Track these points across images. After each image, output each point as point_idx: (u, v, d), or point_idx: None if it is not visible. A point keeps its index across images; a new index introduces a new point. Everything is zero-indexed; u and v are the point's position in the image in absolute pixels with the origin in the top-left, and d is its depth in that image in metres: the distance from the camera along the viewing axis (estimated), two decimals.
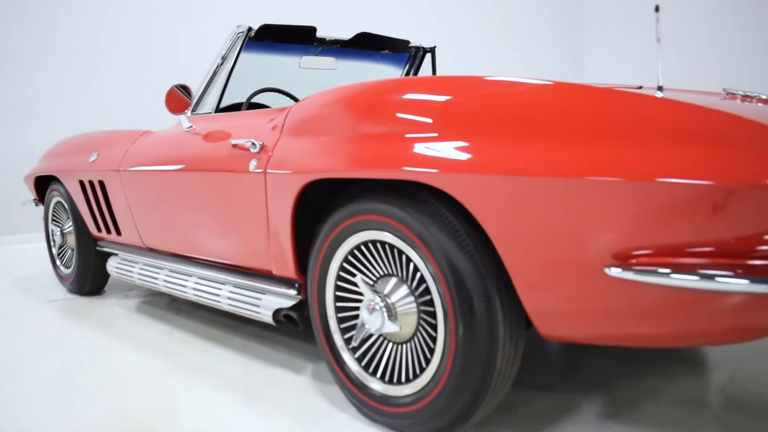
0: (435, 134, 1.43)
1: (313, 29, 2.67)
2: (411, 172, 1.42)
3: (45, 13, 4.85)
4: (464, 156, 1.36)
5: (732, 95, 1.75)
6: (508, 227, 1.31)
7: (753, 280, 1.08)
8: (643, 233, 1.17)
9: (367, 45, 2.94)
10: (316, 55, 2.85)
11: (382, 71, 3.16)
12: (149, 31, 5.20)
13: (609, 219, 1.19)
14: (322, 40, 2.78)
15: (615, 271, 1.19)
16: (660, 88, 1.44)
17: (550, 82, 1.35)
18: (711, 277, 1.10)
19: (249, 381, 2.03)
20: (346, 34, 2.87)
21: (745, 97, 1.72)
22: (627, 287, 1.19)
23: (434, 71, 3.19)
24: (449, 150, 1.38)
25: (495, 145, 1.33)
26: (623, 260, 1.19)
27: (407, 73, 3.22)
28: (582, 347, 2.20)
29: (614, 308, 1.25)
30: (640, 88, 1.84)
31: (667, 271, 1.14)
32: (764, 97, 1.71)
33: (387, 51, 3.07)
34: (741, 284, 1.08)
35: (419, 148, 1.44)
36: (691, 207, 1.11)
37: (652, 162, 1.14)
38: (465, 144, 1.37)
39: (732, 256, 1.13)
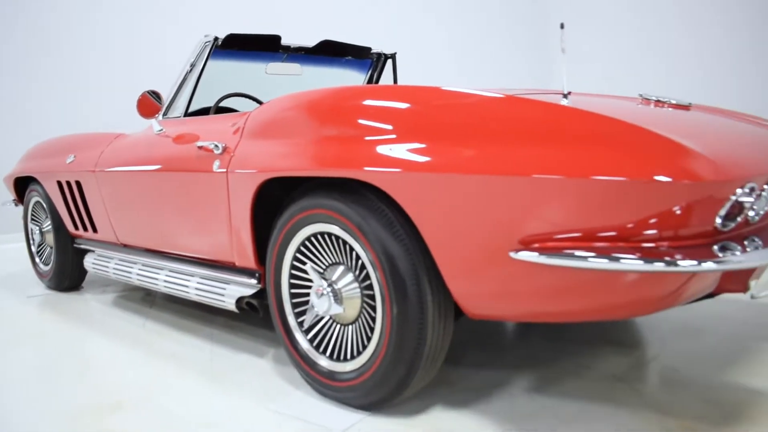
0: (372, 138, 1.61)
1: (278, 37, 2.84)
2: (353, 171, 1.60)
3: (32, 20, 4.97)
4: (395, 156, 1.54)
5: (646, 100, 1.94)
6: (432, 220, 1.50)
7: (646, 261, 1.26)
8: (545, 223, 1.35)
9: (330, 52, 3.12)
10: (282, 61, 3.02)
11: (346, 76, 3.34)
12: (133, 37, 5.33)
13: (516, 211, 1.37)
14: (287, 48, 2.96)
15: (522, 255, 1.37)
16: (566, 95, 1.62)
17: (466, 91, 1.54)
18: (611, 259, 1.27)
19: (216, 366, 2.20)
20: (314, 41, 3.05)
21: (658, 102, 1.92)
22: (533, 270, 1.38)
23: (395, 76, 3.37)
24: (383, 151, 1.56)
25: (421, 147, 1.51)
26: (529, 246, 1.37)
27: (370, 78, 3.40)
28: (518, 329, 2.39)
29: (526, 289, 1.44)
30: (569, 93, 2.03)
31: (571, 254, 1.32)
32: (674, 102, 1.91)
33: (350, 57, 3.24)
34: (636, 264, 1.26)
35: (360, 150, 1.61)
36: (587, 200, 1.30)
37: (556, 161, 1.33)
38: (396, 146, 1.55)
39: (626, 241, 1.31)
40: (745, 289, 1.50)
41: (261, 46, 2.85)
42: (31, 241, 3.61)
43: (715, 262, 1.20)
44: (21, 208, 3.81)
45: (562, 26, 1.70)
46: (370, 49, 3.26)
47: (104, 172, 2.77)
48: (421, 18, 6.48)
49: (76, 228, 3.16)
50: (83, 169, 2.91)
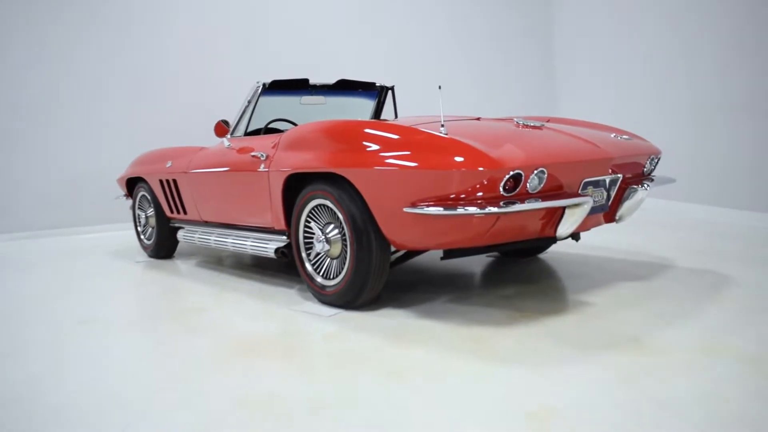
0: (345, 150, 2.88)
1: (306, 80, 4.15)
2: (336, 169, 2.86)
3: (114, 42, 6.45)
4: (353, 161, 2.80)
5: (516, 123, 3.14)
6: (371, 195, 2.74)
7: (447, 209, 2.44)
8: (425, 193, 2.57)
9: (346, 87, 4.41)
10: (311, 95, 4.33)
11: (360, 104, 4.62)
12: (201, 65, 6.75)
13: (405, 187, 2.59)
14: (314, 86, 4.26)
15: (408, 209, 2.58)
16: (443, 125, 2.80)
17: (393, 124, 2.79)
18: (447, 208, 2.46)
19: (261, 292, 3.50)
20: (332, 80, 4.35)
21: (518, 124, 3.11)
22: (416, 217, 2.59)
23: (394, 102, 4.64)
24: (347, 158, 2.83)
25: (364, 155, 2.77)
26: (413, 205, 2.57)
27: (377, 103, 4.67)
28: (446, 278, 3.61)
29: (417, 229, 2.66)
30: (479, 119, 3.25)
31: (441, 209, 2.53)
32: (531, 123, 3.10)
33: (360, 90, 4.53)
34: (475, 211, 2.44)
35: (339, 158, 2.88)
36: (438, 181, 2.51)
37: (418, 161, 2.55)
38: (353, 156, 2.81)
39: (456, 201, 2.50)
40: (554, 233, 2.71)
41: (295, 86, 4.16)
42: (138, 224, 5.03)
43: (496, 207, 2.40)
44: (129, 201, 5.25)
45: (440, 87, 2.95)
46: (374, 83, 4.54)
47: (192, 173, 4.13)
48: (432, 50, 7.67)
49: (172, 212, 4.55)
50: (178, 171, 4.28)
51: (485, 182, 2.43)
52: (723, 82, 5.23)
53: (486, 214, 2.40)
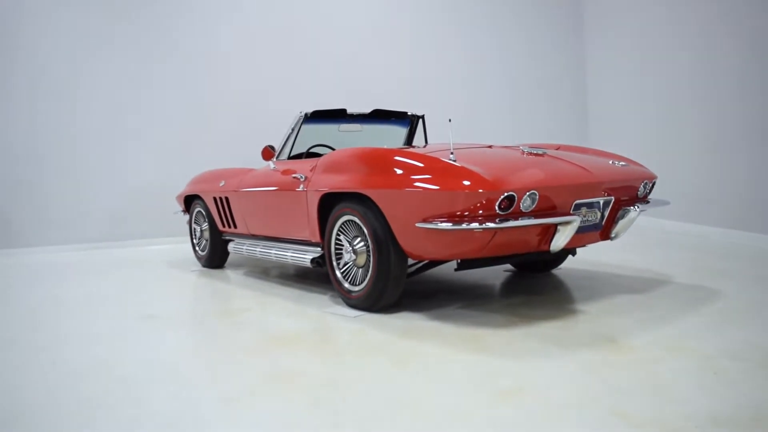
0: (371, 174, 3.35)
1: (344, 110, 4.66)
2: (362, 190, 3.33)
3: (180, 75, 7.13)
4: (376, 183, 3.27)
5: (522, 151, 3.55)
6: (390, 212, 3.20)
7: (454, 224, 2.89)
8: (430, 210, 3.01)
9: (380, 116, 4.90)
10: (349, 123, 4.83)
11: (393, 131, 5.10)
12: (252, 97, 7.37)
13: (419, 205, 3.04)
14: (351, 115, 4.76)
15: (420, 225, 3.03)
16: (452, 153, 3.24)
17: (415, 152, 3.26)
18: (455, 224, 2.89)
19: (299, 297, 3.99)
20: (368, 109, 4.85)
21: (523, 152, 3.52)
22: (428, 232, 3.03)
23: (425, 130, 5.11)
24: (370, 180, 3.30)
25: (387, 178, 3.23)
26: (425, 221, 3.03)
27: (409, 131, 5.15)
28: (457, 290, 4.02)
29: (429, 242, 3.11)
30: (490, 146, 3.68)
31: (449, 224, 2.97)
32: (534, 151, 3.51)
33: (393, 118, 5.02)
34: (475, 226, 2.88)
35: (365, 180, 3.36)
36: (444, 200, 2.96)
37: (431, 183, 3.00)
38: (377, 178, 3.28)
39: (461, 218, 2.94)
40: (548, 247, 3.12)
41: (334, 115, 4.67)
42: (194, 236, 5.62)
43: (493, 223, 2.82)
44: (186, 216, 5.84)
45: (450, 120, 3.41)
46: (406, 113, 5.03)
47: (242, 191, 4.67)
48: (474, 83, 8.13)
49: (223, 226, 5.10)
50: (230, 190, 4.84)
51: (484, 202, 2.86)
52: (743, 109, 5.52)
53: (484, 228, 2.83)
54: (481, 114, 7.98)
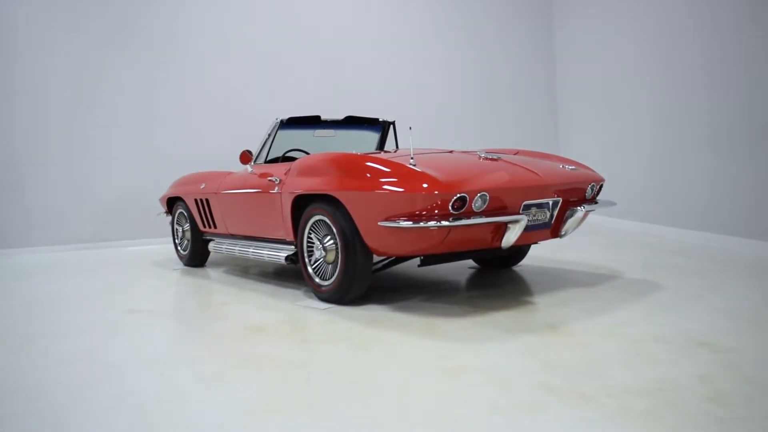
0: (339, 176, 3.64)
1: (318, 116, 4.94)
2: (331, 191, 3.62)
3: (163, 79, 7.37)
4: (343, 185, 3.55)
5: (478, 156, 3.85)
6: (356, 211, 3.48)
7: (414, 222, 3.18)
8: (396, 211, 3.30)
9: (352, 122, 5.19)
10: (323, 128, 5.11)
11: (365, 136, 5.39)
12: (231, 104, 7.63)
13: (381, 205, 3.33)
14: (325, 121, 5.04)
15: (382, 223, 3.32)
16: (412, 158, 3.53)
17: (381, 158, 3.55)
18: (414, 222, 3.19)
19: (273, 292, 4.26)
20: (341, 115, 5.13)
21: (479, 157, 3.82)
22: (390, 230, 3.32)
23: (395, 135, 5.40)
24: (338, 183, 3.58)
25: (354, 181, 3.51)
26: (387, 219, 3.31)
27: (381, 136, 5.44)
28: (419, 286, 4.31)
29: (391, 239, 3.39)
30: (451, 152, 3.98)
31: (408, 223, 3.25)
32: (490, 156, 3.81)
33: (366, 124, 5.30)
34: (431, 224, 3.17)
35: (334, 182, 3.64)
36: (404, 201, 3.25)
37: (391, 184, 3.29)
38: (346, 180, 3.56)
39: (420, 216, 3.23)
40: (500, 244, 3.42)
41: (309, 121, 4.95)
42: (175, 236, 5.86)
43: (447, 221, 3.11)
44: (168, 218, 6.09)
45: (410, 128, 3.70)
46: (377, 119, 5.32)
47: (222, 193, 4.93)
48: (449, 87, 8.46)
49: (204, 226, 5.36)
50: (210, 192, 5.10)
51: (439, 202, 3.15)
52: (698, 116, 5.87)
53: (439, 226, 3.13)
54: (454, 116, 8.32)
